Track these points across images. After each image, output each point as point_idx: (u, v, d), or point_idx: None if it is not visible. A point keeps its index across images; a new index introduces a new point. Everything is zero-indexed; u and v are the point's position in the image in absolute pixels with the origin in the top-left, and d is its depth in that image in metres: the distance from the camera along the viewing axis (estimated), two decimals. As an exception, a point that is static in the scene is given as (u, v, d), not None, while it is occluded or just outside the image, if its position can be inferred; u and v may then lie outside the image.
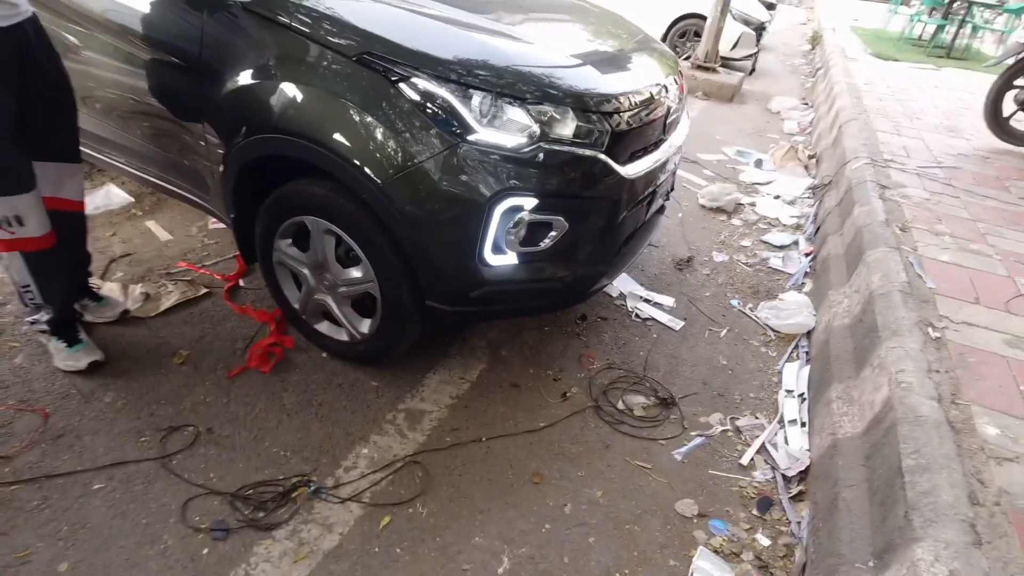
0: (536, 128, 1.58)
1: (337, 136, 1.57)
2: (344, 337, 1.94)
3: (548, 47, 1.86)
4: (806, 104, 6.26)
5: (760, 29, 7.29)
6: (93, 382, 1.80)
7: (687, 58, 6.57)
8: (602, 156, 1.69)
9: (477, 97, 1.54)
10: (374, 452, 1.71)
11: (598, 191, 1.72)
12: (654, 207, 2.17)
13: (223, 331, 2.09)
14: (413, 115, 1.54)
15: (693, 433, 1.95)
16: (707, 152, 4.51)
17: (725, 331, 2.49)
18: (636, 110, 1.79)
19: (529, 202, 1.60)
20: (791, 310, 2.55)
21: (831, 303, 2.41)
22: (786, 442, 1.93)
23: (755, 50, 7.28)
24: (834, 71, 6.27)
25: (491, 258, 1.64)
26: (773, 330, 2.51)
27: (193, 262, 2.42)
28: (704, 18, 6.24)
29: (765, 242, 3.27)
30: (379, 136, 1.55)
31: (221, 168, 1.83)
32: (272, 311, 2.13)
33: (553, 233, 1.68)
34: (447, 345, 2.17)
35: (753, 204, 3.71)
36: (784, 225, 3.49)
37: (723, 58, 6.60)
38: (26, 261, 1.67)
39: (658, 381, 2.15)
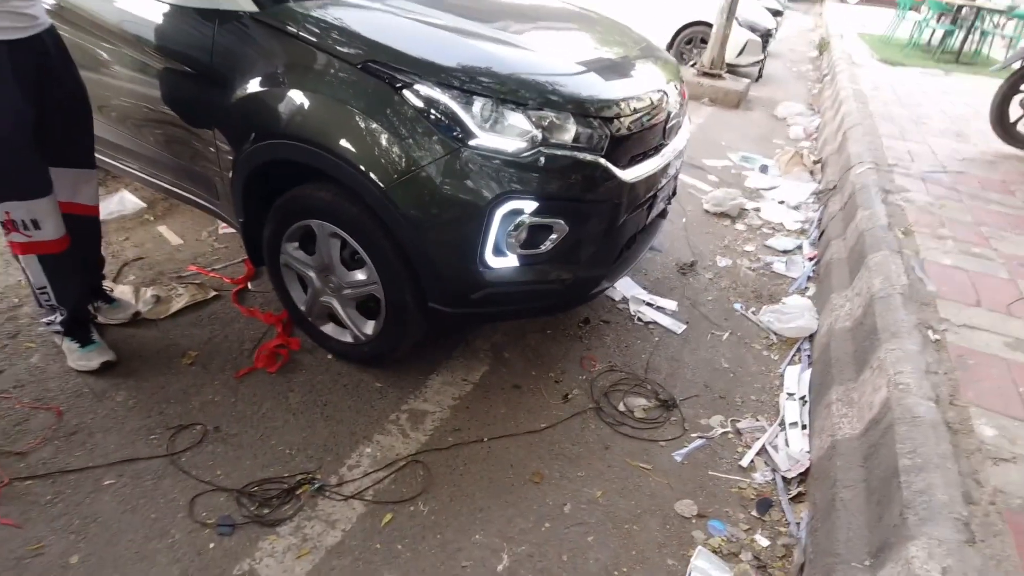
0: (536, 133, 1.61)
1: (343, 142, 1.61)
2: (348, 339, 1.98)
3: (549, 54, 1.90)
4: (813, 110, 6.26)
5: (766, 36, 7.31)
6: (105, 381, 1.85)
7: (693, 65, 6.60)
8: (602, 160, 1.72)
9: (478, 103, 1.58)
10: (377, 451, 1.74)
11: (598, 195, 1.75)
12: (655, 211, 2.19)
13: (231, 333, 2.14)
14: (416, 121, 1.58)
15: (693, 435, 1.97)
16: (712, 158, 4.53)
17: (727, 335, 2.50)
18: (636, 115, 1.82)
19: (529, 205, 1.63)
20: (793, 314, 2.56)
21: (833, 306, 2.42)
22: (787, 444, 1.94)
23: (761, 57, 7.30)
24: (840, 77, 6.27)
25: (492, 260, 1.68)
26: (775, 334, 2.52)
27: (203, 266, 2.48)
28: (710, 25, 6.27)
29: (769, 247, 3.28)
30: (383, 141, 1.59)
31: (230, 174, 1.89)
32: (279, 313, 2.18)
33: (553, 236, 1.71)
34: (450, 347, 2.20)
35: (758, 209, 3.72)
36: (788, 230, 3.50)
37: (729, 65, 6.62)
38: (42, 263, 1.73)
39: (659, 383, 2.17)
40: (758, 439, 1.97)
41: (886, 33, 10.45)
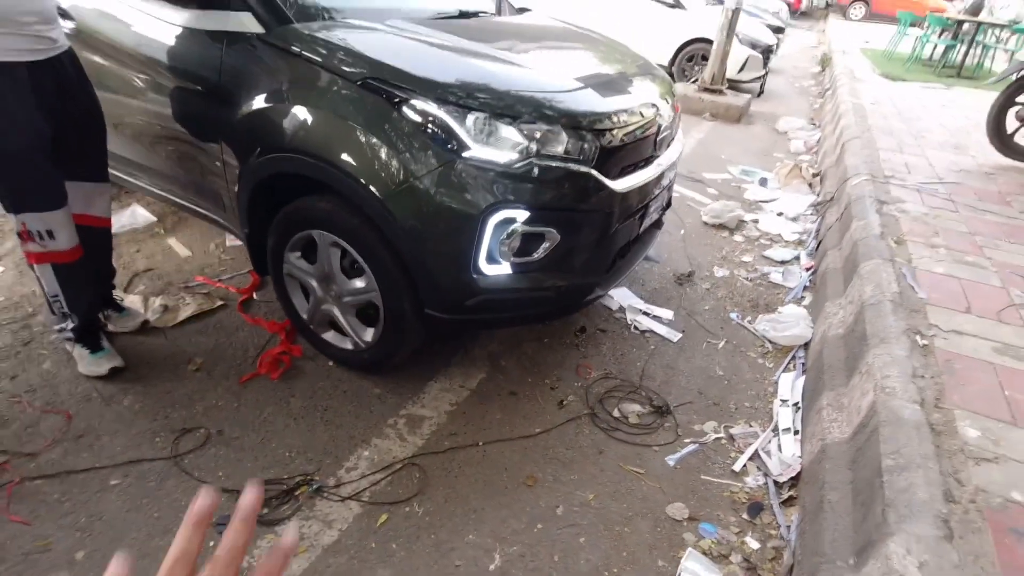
0: (528, 145, 1.68)
1: (343, 155, 1.68)
2: (349, 345, 2.04)
3: (545, 71, 1.98)
4: (814, 124, 6.32)
5: (767, 52, 7.41)
6: (113, 386, 1.92)
7: (694, 81, 6.69)
8: (593, 171, 1.78)
9: (472, 117, 1.65)
10: (375, 454, 1.79)
11: (589, 204, 1.80)
12: (648, 221, 2.24)
13: (236, 340, 2.20)
14: (413, 135, 1.65)
15: (687, 440, 1.99)
16: (712, 171, 4.59)
17: (723, 343, 2.53)
18: (626, 128, 1.88)
19: (521, 214, 1.69)
20: (789, 322, 2.59)
21: (827, 314, 2.45)
22: (779, 449, 1.96)
23: (763, 72, 7.39)
24: (841, 91, 6.34)
25: (486, 268, 1.73)
26: (771, 342, 2.55)
27: (210, 276, 2.56)
28: (711, 43, 6.37)
29: (766, 257, 3.32)
30: (382, 154, 1.66)
31: (236, 187, 1.96)
32: (282, 322, 2.24)
33: (546, 244, 1.77)
34: (448, 355, 2.25)
35: (756, 221, 3.76)
36: (786, 241, 3.54)
37: (731, 80, 6.71)
38: (55, 272, 1.80)
39: (654, 390, 2.20)
40: (751, 444, 1.99)
41: (888, 48, 10.53)
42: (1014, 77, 4.13)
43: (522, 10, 2.91)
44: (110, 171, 2.03)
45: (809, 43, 13.62)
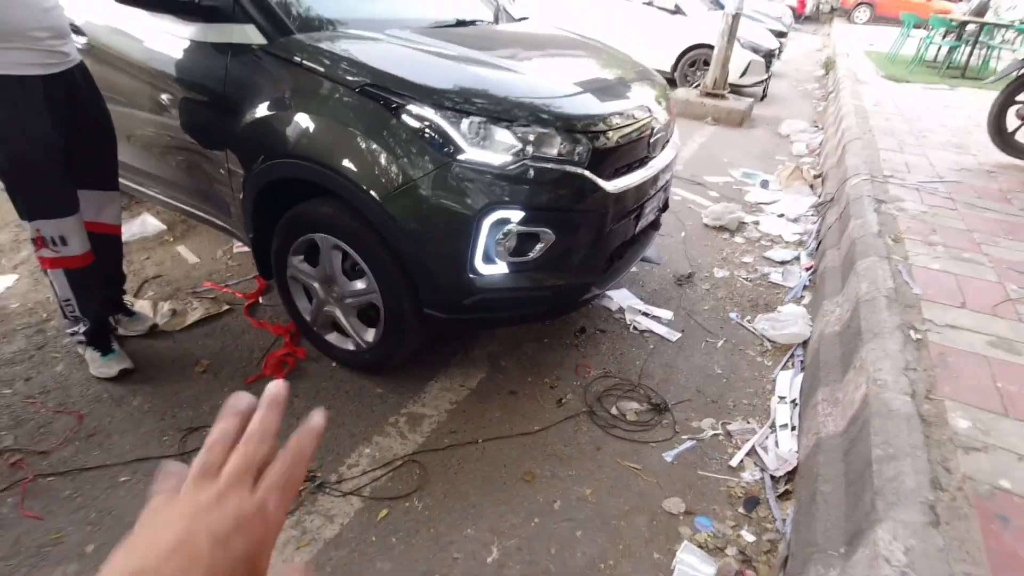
0: (521, 147, 1.72)
1: (344, 160, 1.74)
2: (351, 346, 2.08)
3: (541, 76, 2.03)
4: (816, 127, 6.33)
5: (769, 56, 7.44)
6: (123, 387, 1.97)
7: (696, 86, 6.74)
8: (586, 172, 1.82)
9: (467, 121, 1.70)
10: (376, 451, 1.83)
11: (583, 204, 1.85)
12: (643, 222, 2.28)
13: (242, 343, 2.26)
14: (411, 140, 1.71)
15: (684, 437, 2.02)
16: (714, 174, 4.62)
17: (722, 342, 2.55)
18: (619, 130, 1.92)
19: (516, 215, 1.73)
20: (788, 321, 2.60)
21: (825, 312, 2.47)
22: (776, 445, 1.98)
23: (765, 77, 7.42)
24: (843, 94, 6.35)
25: (482, 268, 1.77)
26: (770, 340, 2.57)
27: (217, 282, 2.62)
28: (712, 48, 6.42)
29: (767, 258, 3.34)
30: (381, 159, 1.71)
31: (241, 193, 2.03)
32: (287, 325, 2.29)
33: (540, 244, 1.81)
34: (449, 355, 2.29)
35: (757, 222, 3.78)
36: (787, 242, 3.56)
37: (733, 85, 6.74)
38: (68, 277, 1.87)
39: (652, 388, 2.22)
40: (748, 441, 2.01)
41: (892, 51, 10.53)
42: (1014, 75, 4.13)
43: (521, 19, 2.97)
44: (123, 181, 2.10)
45: (813, 47, 13.64)
